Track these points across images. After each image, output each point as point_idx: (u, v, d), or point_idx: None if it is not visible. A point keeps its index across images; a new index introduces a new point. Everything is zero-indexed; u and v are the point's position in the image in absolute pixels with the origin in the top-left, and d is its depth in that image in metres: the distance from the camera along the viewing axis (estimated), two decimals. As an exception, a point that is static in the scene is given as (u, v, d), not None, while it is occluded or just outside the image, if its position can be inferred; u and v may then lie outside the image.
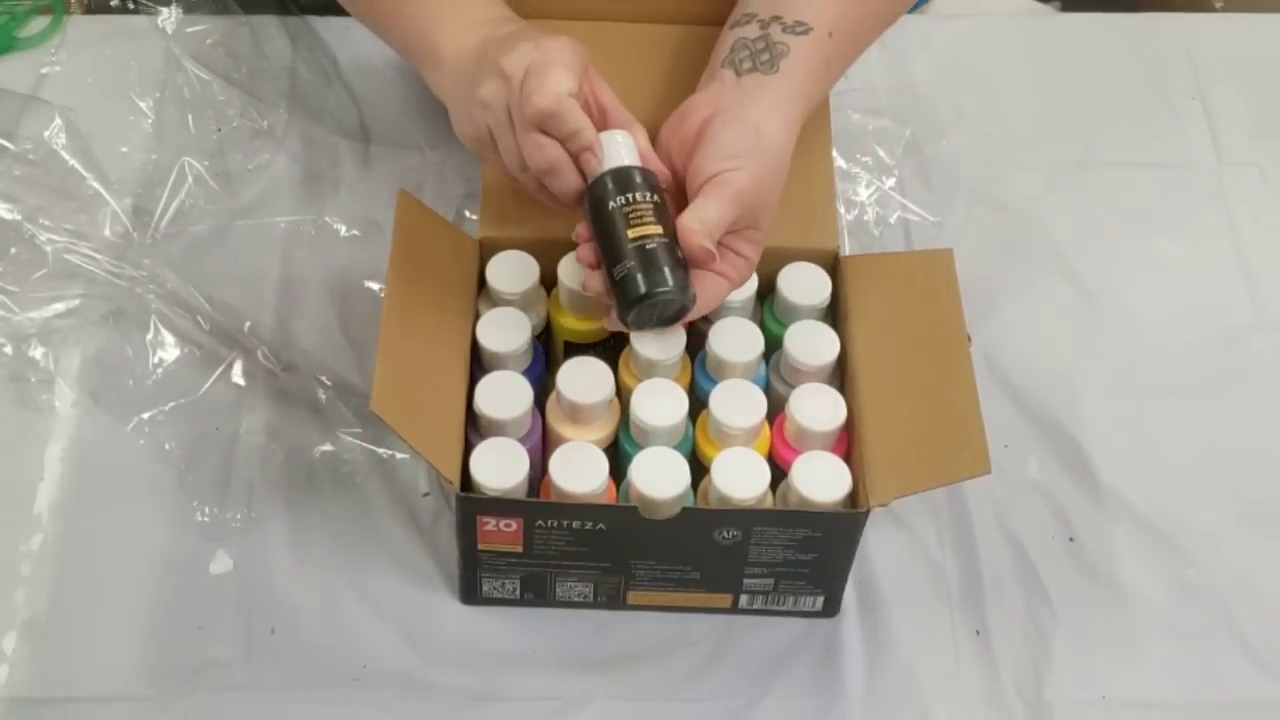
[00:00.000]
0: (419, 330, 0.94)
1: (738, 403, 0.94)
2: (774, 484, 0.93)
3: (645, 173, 0.91)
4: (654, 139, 0.95)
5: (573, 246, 0.97)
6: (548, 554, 0.93)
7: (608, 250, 0.90)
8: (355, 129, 1.20)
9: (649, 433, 0.93)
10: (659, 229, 0.90)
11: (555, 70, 0.88)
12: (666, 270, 0.89)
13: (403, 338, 0.92)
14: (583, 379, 0.94)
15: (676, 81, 1.02)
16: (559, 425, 0.95)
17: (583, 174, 0.91)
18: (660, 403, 0.94)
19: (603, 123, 0.92)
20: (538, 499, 0.94)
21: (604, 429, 0.95)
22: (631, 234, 0.90)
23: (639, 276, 0.89)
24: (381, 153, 1.19)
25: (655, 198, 0.91)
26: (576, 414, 0.94)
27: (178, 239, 1.12)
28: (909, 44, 1.27)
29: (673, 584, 0.96)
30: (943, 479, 0.93)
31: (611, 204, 0.90)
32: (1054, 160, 1.22)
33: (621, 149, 0.91)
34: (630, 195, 0.90)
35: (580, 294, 0.98)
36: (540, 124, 0.89)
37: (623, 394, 0.97)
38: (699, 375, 0.98)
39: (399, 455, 1.03)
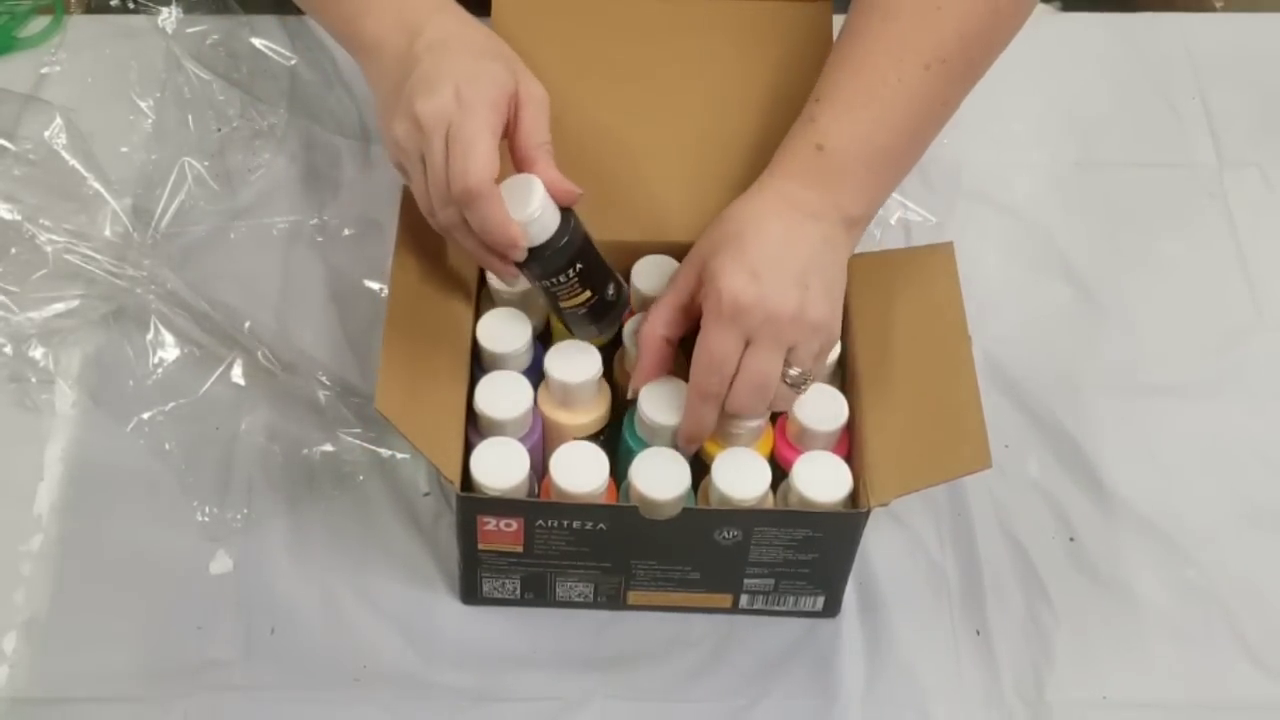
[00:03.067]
0: (420, 330, 0.94)
1: None
2: (774, 484, 0.93)
3: (559, 248, 0.90)
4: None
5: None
6: (548, 554, 0.93)
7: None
8: (355, 129, 1.20)
9: (655, 430, 0.93)
10: (586, 294, 0.92)
11: (479, 145, 0.85)
12: (595, 327, 0.95)
13: (405, 337, 0.92)
14: (570, 360, 0.94)
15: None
16: (551, 411, 0.95)
17: None
18: (668, 400, 0.93)
19: (513, 140, 0.90)
20: (538, 499, 0.94)
21: (596, 410, 0.95)
22: (563, 305, 0.93)
23: (574, 330, 0.95)
24: (381, 153, 1.18)
25: (577, 267, 0.91)
26: (567, 395, 0.94)
27: (178, 239, 1.12)
28: (909, 44, 1.27)
29: (673, 584, 0.96)
30: (943, 475, 0.93)
31: (538, 283, 0.92)
32: (1054, 160, 1.22)
33: (524, 201, 0.88)
34: (554, 279, 0.91)
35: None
36: (460, 203, 0.87)
37: (621, 392, 0.97)
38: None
39: (399, 455, 1.03)
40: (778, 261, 0.89)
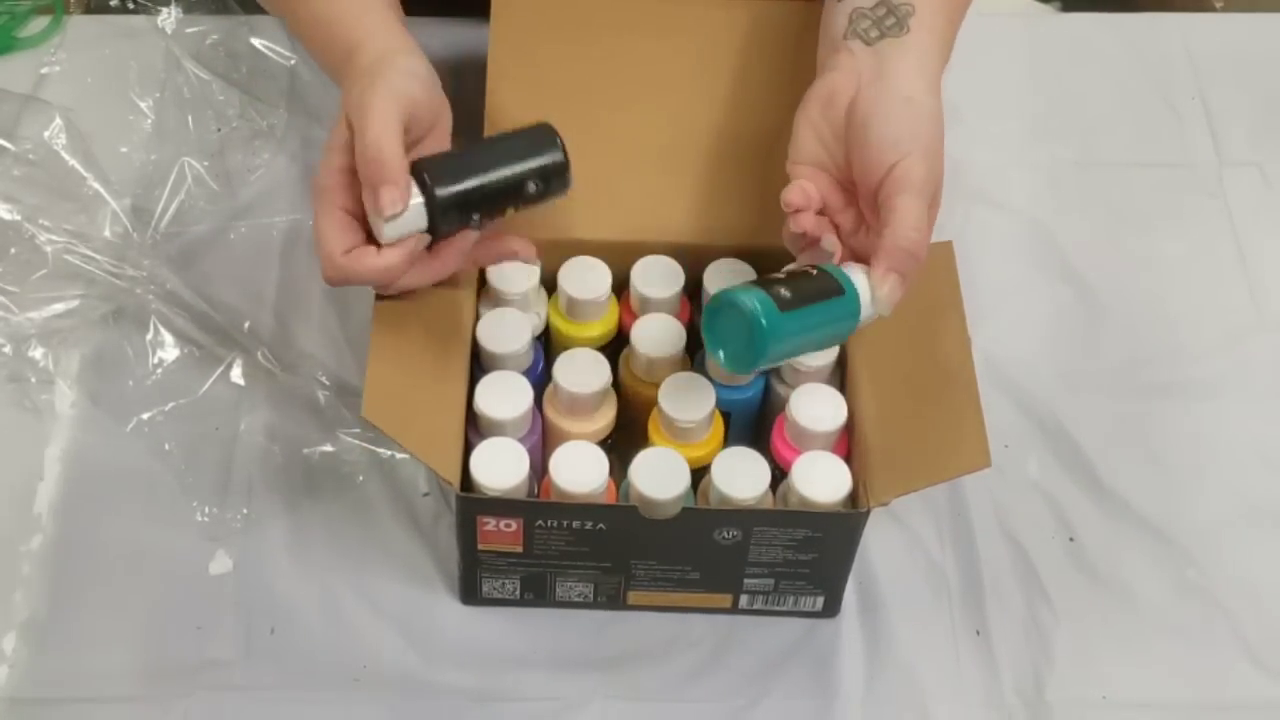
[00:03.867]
0: (418, 331, 0.94)
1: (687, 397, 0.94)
2: (774, 484, 0.93)
3: (441, 220, 0.89)
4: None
5: (573, 250, 0.97)
6: (548, 554, 0.93)
7: None
8: (355, 129, 1.20)
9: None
10: (509, 210, 0.91)
11: (318, 238, 0.90)
12: (546, 201, 0.92)
13: (399, 339, 0.92)
14: (580, 369, 0.94)
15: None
16: (557, 418, 0.95)
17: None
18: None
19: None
20: (538, 499, 0.94)
21: (602, 419, 0.95)
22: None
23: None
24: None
25: (475, 218, 0.90)
26: (575, 405, 0.94)
27: (178, 239, 1.12)
28: (909, 44, 1.27)
29: (673, 584, 0.96)
30: (943, 475, 0.93)
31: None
32: (1054, 160, 1.22)
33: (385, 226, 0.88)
34: (470, 225, 0.91)
35: (580, 301, 0.98)
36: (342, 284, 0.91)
37: (623, 393, 0.97)
38: (699, 373, 0.98)
39: (399, 455, 1.03)
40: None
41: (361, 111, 0.88)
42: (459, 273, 0.96)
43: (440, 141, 0.94)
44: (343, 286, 0.92)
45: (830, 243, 0.90)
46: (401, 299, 0.94)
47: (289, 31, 1.02)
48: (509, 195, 0.91)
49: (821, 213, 0.92)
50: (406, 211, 0.88)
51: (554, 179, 0.91)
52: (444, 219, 0.89)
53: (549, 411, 0.95)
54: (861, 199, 0.91)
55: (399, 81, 0.90)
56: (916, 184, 0.87)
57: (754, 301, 0.85)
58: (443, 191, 0.89)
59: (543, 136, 0.91)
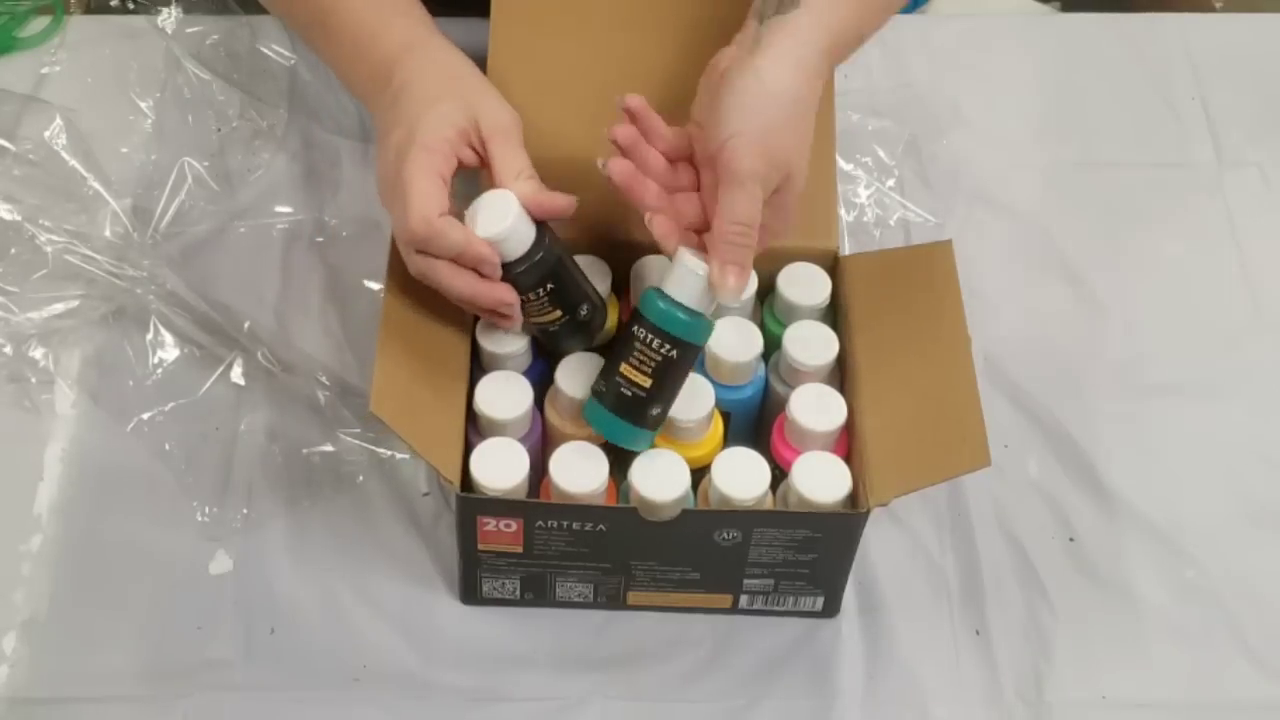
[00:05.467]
0: (419, 330, 0.94)
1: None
2: (774, 484, 0.93)
3: (530, 266, 0.91)
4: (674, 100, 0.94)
5: (575, 248, 0.97)
6: (548, 554, 0.93)
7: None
8: (355, 129, 1.20)
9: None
10: (557, 313, 0.93)
11: (413, 190, 0.88)
12: (566, 343, 0.96)
13: (402, 338, 0.92)
14: (582, 374, 0.94)
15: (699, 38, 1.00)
16: (558, 419, 0.95)
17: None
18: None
19: (490, 175, 0.92)
20: (538, 499, 0.94)
21: None
22: (534, 321, 0.94)
23: (546, 344, 0.96)
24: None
25: (548, 287, 0.92)
26: (575, 406, 0.94)
27: (178, 239, 1.12)
28: (909, 44, 1.27)
29: (673, 584, 0.96)
30: (943, 474, 0.93)
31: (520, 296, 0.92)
32: (1054, 160, 1.22)
33: (497, 216, 0.90)
34: (525, 295, 0.92)
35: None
36: (415, 248, 0.90)
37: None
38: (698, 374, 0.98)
39: (399, 455, 1.03)
40: None
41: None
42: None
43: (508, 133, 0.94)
44: (416, 250, 0.90)
45: (608, 167, 0.89)
46: (407, 298, 0.94)
47: (314, 51, 1.03)
48: (568, 299, 0.93)
49: (672, 160, 0.92)
50: (517, 228, 0.89)
51: (597, 317, 0.95)
52: (530, 269, 0.91)
53: (549, 412, 0.95)
54: (701, 167, 0.92)
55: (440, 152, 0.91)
56: (741, 173, 0.87)
57: (646, 444, 0.92)
58: (555, 247, 0.91)
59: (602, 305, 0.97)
